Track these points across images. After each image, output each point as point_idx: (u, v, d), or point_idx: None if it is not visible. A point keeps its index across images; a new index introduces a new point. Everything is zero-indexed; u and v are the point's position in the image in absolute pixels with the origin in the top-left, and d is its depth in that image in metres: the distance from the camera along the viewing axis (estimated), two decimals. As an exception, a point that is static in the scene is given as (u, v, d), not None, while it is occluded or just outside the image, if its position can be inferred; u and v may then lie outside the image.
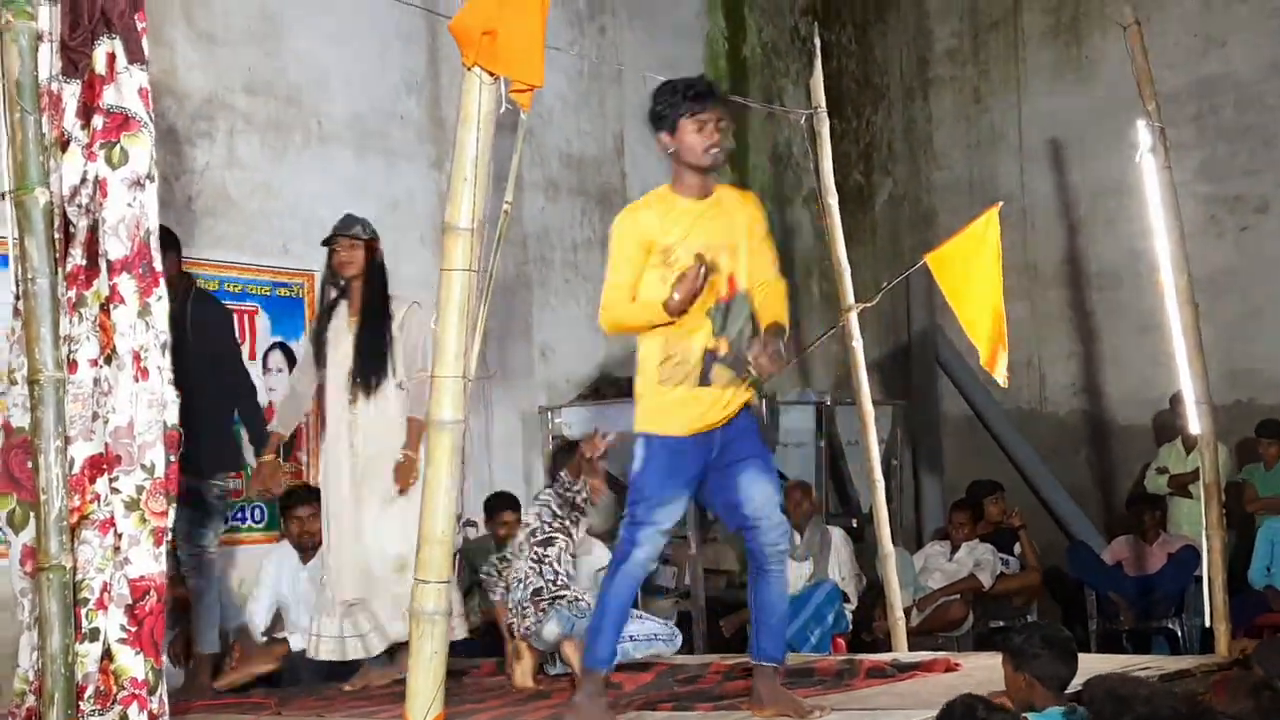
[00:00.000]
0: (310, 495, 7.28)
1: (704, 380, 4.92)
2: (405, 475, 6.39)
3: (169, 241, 5.83)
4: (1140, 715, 3.54)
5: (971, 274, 7.11)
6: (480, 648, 7.52)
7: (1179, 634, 8.99)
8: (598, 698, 5.06)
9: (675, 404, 4.93)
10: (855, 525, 9.88)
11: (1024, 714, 4.55)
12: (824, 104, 7.49)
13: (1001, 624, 9.30)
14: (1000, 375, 7.03)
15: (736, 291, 4.97)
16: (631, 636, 6.48)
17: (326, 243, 6.66)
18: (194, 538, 6.76)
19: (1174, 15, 10.53)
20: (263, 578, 7.30)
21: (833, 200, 7.42)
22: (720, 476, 5.02)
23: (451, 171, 4.06)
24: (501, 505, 8.16)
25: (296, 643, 7.04)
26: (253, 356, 7.95)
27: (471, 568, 8.06)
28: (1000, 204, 7.31)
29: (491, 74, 3.98)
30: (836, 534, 8.82)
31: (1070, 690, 4.87)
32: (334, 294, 6.68)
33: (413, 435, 6.37)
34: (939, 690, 5.01)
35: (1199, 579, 7.16)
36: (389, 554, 6.37)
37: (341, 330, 6.59)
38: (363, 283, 6.56)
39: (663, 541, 5.04)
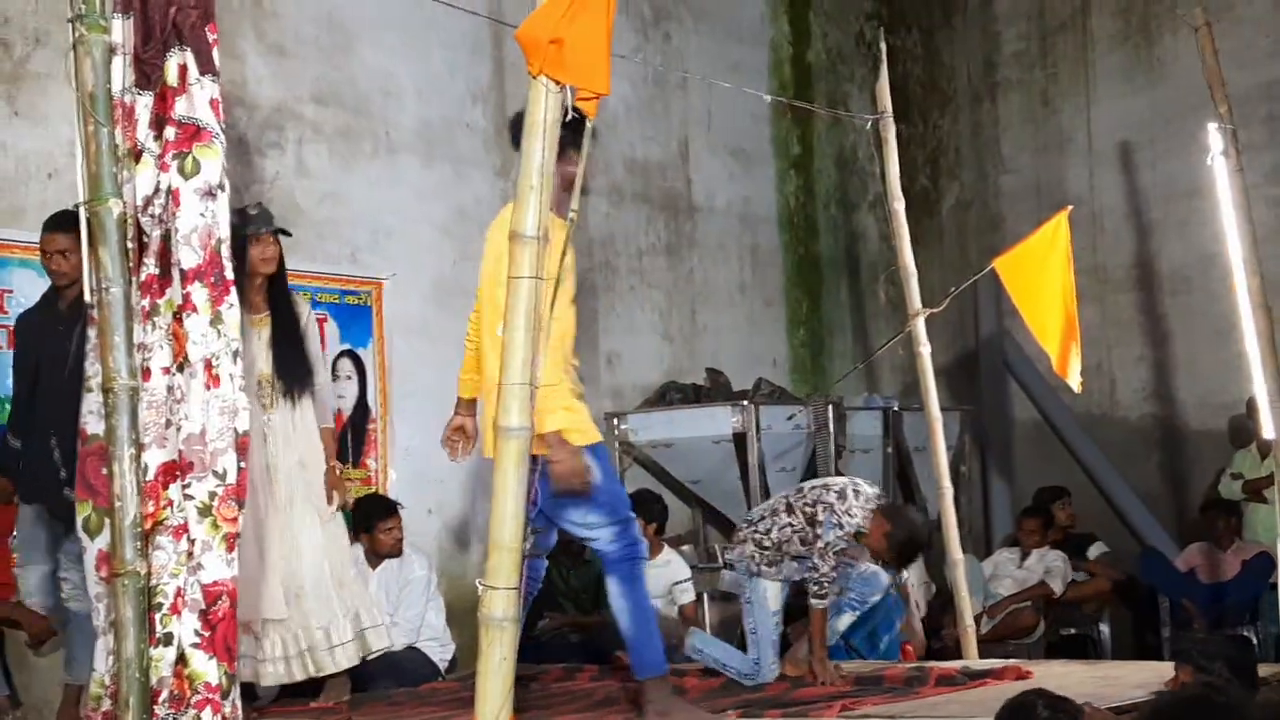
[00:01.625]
0: (394, 507, 7.33)
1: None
2: (341, 488, 6.25)
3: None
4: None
5: (1041, 279, 7.07)
6: (549, 654, 7.54)
7: (1254, 641, 8.86)
8: (676, 697, 5.06)
9: (587, 414, 5.07)
10: (923, 531, 9.80)
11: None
12: (890, 109, 7.47)
13: (1073, 631, 9.22)
14: (1074, 381, 6.98)
15: None
16: (698, 649, 6.48)
17: (249, 232, 6.04)
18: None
19: (1245, 16, 10.39)
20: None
21: (899, 205, 7.40)
22: None
23: (518, 179, 4.08)
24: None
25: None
26: (322, 364, 8.02)
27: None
28: (1070, 208, 7.27)
29: (557, 82, 4.00)
30: (905, 540, 8.75)
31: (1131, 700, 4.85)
32: None
33: (329, 446, 6.24)
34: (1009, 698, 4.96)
35: (1274, 586, 7.07)
36: (328, 571, 6.15)
37: (246, 332, 5.95)
38: (277, 282, 6.15)
39: None
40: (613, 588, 5.06)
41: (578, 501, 4.96)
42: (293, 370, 6.11)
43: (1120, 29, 11.22)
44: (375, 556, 7.24)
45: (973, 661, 6.95)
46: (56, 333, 5.58)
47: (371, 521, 7.24)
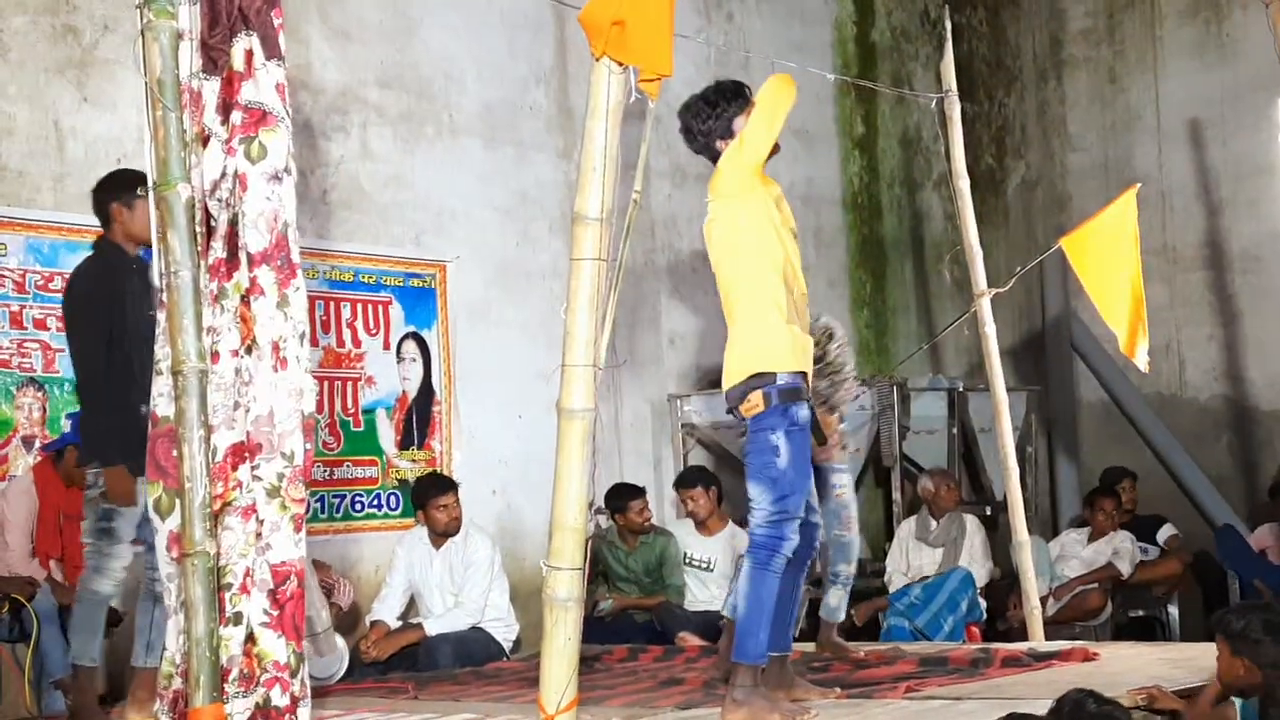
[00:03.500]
0: (450, 483, 7.37)
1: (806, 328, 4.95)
2: None
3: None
4: None
5: (1108, 258, 7.00)
6: (613, 635, 7.56)
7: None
8: (760, 688, 4.97)
9: (800, 341, 4.86)
10: (989, 513, 9.76)
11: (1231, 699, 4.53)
12: (955, 87, 7.41)
13: (1141, 613, 9.13)
14: (1141, 361, 6.91)
15: None
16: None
17: None
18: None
19: (1318, -11, 10.22)
20: (396, 564, 7.38)
21: (964, 184, 7.34)
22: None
23: (580, 161, 4.08)
24: (629, 495, 8.12)
25: (431, 627, 7.14)
26: (387, 346, 8.08)
27: (596, 558, 8.09)
28: (1138, 186, 7.19)
29: (620, 64, 4.00)
30: (970, 521, 8.72)
31: (1201, 683, 4.79)
32: None
33: None
34: (1076, 680, 4.94)
35: (1347, 569, 6.97)
36: None
37: None
38: None
39: None
40: (744, 567, 4.95)
41: (760, 476, 4.83)
42: None
43: (1189, 5, 11.08)
44: (439, 536, 7.29)
45: (1039, 643, 6.91)
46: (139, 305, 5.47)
47: (425, 498, 7.28)
